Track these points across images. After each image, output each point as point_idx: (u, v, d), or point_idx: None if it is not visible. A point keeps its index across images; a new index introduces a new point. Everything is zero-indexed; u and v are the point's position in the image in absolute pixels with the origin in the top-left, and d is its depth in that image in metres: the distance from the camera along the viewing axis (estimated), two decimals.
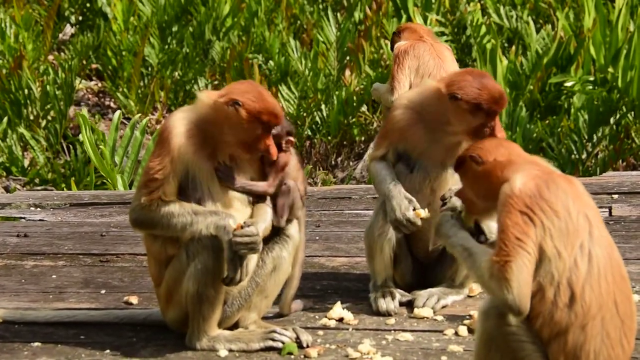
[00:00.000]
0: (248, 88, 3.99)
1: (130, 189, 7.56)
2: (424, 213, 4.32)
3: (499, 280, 3.10)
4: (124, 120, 9.60)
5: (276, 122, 3.96)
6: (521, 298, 3.09)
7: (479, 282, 3.25)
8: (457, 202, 3.84)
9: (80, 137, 7.75)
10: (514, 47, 9.92)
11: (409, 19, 10.17)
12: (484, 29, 9.85)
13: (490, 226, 3.53)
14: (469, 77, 4.27)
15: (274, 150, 3.98)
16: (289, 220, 4.19)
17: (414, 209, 4.32)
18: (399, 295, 4.53)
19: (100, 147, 7.56)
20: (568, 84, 9.04)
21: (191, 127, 3.98)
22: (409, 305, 4.52)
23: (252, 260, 4.06)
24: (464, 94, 4.23)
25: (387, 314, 4.43)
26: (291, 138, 4.19)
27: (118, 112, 8.09)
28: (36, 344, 4.14)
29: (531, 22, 9.93)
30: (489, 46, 9.47)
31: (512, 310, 3.12)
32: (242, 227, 3.89)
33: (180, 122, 3.99)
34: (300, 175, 4.24)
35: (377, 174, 4.52)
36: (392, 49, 6.32)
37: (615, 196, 6.25)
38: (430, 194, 4.47)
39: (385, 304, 4.46)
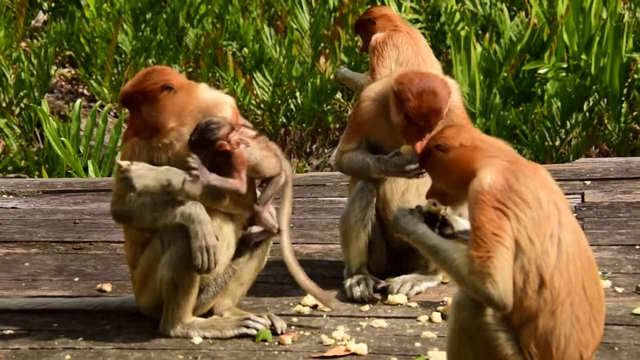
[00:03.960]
0: None
1: (109, 176, 7.54)
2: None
3: (481, 276, 3.08)
4: (100, 109, 9.55)
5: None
6: (507, 293, 3.08)
7: (454, 278, 3.18)
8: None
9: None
10: (487, 34, 9.94)
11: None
12: (458, 16, 9.86)
13: (457, 219, 3.53)
14: (417, 80, 4.26)
15: None
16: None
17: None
18: (373, 282, 4.54)
19: (62, 138, 7.53)
20: (541, 71, 9.08)
21: None
22: (383, 292, 4.52)
23: (223, 249, 4.05)
24: (398, 90, 4.25)
25: (362, 301, 4.44)
26: (233, 135, 4.00)
27: (78, 101, 8.07)
28: (9, 331, 4.12)
29: (505, 9, 9.96)
30: (463, 33, 9.49)
31: (497, 306, 3.10)
32: None
33: None
34: (271, 162, 4.13)
35: (357, 161, 4.51)
36: (357, 31, 6.30)
37: (588, 182, 6.29)
38: (404, 184, 4.49)
39: (359, 291, 4.47)
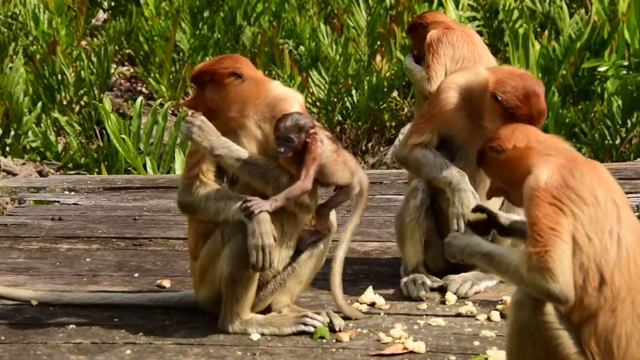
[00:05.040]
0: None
1: (168, 173, 7.62)
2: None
3: (540, 271, 3.05)
4: (159, 107, 9.63)
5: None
6: (567, 286, 3.05)
7: (513, 279, 3.15)
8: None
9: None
10: (546, 32, 9.85)
11: (440, 4, 10.12)
12: (516, 13, 9.79)
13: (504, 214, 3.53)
14: (520, 85, 4.17)
15: None
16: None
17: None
18: (430, 281, 4.52)
19: (122, 135, 7.61)
20: (601, 69, 8.98)
21: None
22: (441, 290, 4.51)
23: (284, 246, 4.07)
24: (504, 99, 4.17)
25: (418, 299, 4.43)
26: (313, 131, 3.98)
27: (139, 99, 8.16)
28: (71, 326, 4.18)
29: (564, 6, 9.86)
30: (521, 31, 9.41)
31: (559, 299, 3.07)
32: None
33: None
34: (337, 168, 4.08)
35: (426, 160, 4.45)
36: (409, 33, 6.29)
37: None
38: (471, 183, 4.43)
39: (416, 290, 4.46)
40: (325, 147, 4.01)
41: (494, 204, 4.36)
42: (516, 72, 4.31)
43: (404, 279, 4.55)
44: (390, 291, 4.53)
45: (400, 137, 9.08)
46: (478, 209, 3.58)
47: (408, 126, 9.24)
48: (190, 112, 4.00)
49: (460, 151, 4.44)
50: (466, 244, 3.32)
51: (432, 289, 4.50)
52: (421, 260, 4.60)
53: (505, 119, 4.07)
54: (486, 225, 3.55)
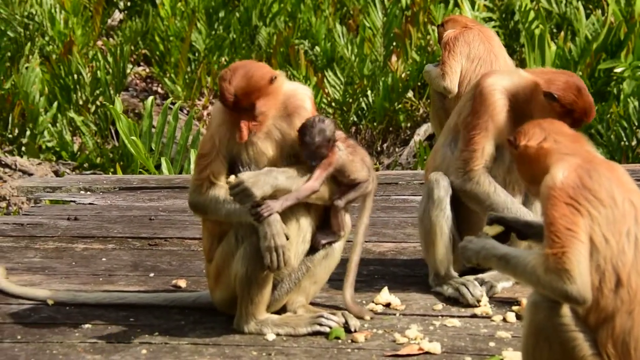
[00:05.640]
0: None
1: (181, 173, 7.63)
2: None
3: (557, 272, 3.04)
4: (171, 106, 9.65)
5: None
6: (585, 287, 3.04)
7: (530, 281, 3.13)
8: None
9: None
10: (562, 33, 9.82)
11: (456, 5, 10.11)
12: (532, 14, 9.76)
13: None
14: (570, 81, 4.22)
15: None
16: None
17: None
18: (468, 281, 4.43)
19: (132, 137, 7.63)
20: (618, 70, 8.93)
21: None
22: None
23: (299, 242, 4.07)
24: (562, 96, 4.18)
25: (477, 302, 4.32)
26: (335, 142, 4.04)
27: (150, 98, 8.17)
28: (87, 325, 4.19)
29: (581, 7, 9.82)
30: (537, 32, 9.38)
31: (576, 300, 3.05)
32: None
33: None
34: (356, 166, 4.12)
35: (492, 191, 4.33)
36: (439, 42, 6.32)
37: None
38: (508, 185, 4.40)
39: (470, 291, 4.35)
40: (340, 151, 4.05)
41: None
42: (557, 70, 4.35)
43: (448, 287, 4.42)
44: (406, 291, 4.52)
45: (416, 138, 9.06)
46: (494, 220, 3.57)
47: (424, 127, 9.23)
48: (234, 179, 3.93)
49: (496, 152, 4.40)
50: (482, 247, 3.31)
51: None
52: (451, 259, 4.47)
53: (561, 117, 4.06)
54: (504, 233, 3.55)
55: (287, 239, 3.93)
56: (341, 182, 4.10)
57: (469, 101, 4.43)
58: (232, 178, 3.93)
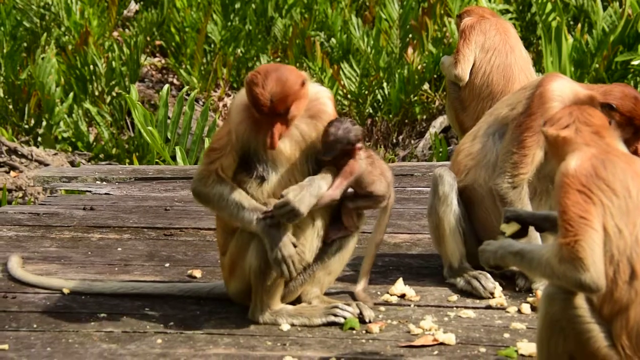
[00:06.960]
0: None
1: (196, 164, 7.65)
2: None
3: (571, 262, 3.03)
4: (186, 96, 9.67)
5: None
6: (599, 275, 3.03)
7: (545, 273, 3.14)
8: None
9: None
10: (579, 25, 9.77)
11: None
12: (549, 6, 9.71)
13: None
14: (626, 91, 4.24)
15: None
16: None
17: None
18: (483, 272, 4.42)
19: (149, 127, 7.64)
20: (635, 63, 8.89)
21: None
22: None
23: (314, 236, 4.07)
24: (620, 105, 4.19)
25: (490, 295, 4.32)
26: (359, 145, 4.06)
27: (166, 87, 8.18)
28: (102, 315, 4.21)
29: (598, 0, 9.78)
30: (554, 24, 9.34)
31: (590, 288, 3.04)
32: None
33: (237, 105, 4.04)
34: (373, 178, 4.13)
35: (525, 204, 4.34)
36: (459, 33, 6.32)
37: None
38: (537, 195, 4.41)
39: (482, 284, 4.36)
40: (361, 160, 4.07)
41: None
42: (611, 84, 4.39)
43: (461, 279, 4.43)
44: (421, 283, 4.52)
45: (432, 130, 9.05)
46: (510, 218, 3.56)
47: (439, 119, 9.21)
48: (279, 202, 3.91)
49: None
50: (499, 247, 3.33)
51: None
52: (463, 252, 4.49)
53: (622, 127, 4.13)
54: (522, 230, 3.56)
55: (295, 247, 3.95)
56: (358, 193, 4.12)
57: (527, 100, 4.39)
58: (271, 200, 3.94)
